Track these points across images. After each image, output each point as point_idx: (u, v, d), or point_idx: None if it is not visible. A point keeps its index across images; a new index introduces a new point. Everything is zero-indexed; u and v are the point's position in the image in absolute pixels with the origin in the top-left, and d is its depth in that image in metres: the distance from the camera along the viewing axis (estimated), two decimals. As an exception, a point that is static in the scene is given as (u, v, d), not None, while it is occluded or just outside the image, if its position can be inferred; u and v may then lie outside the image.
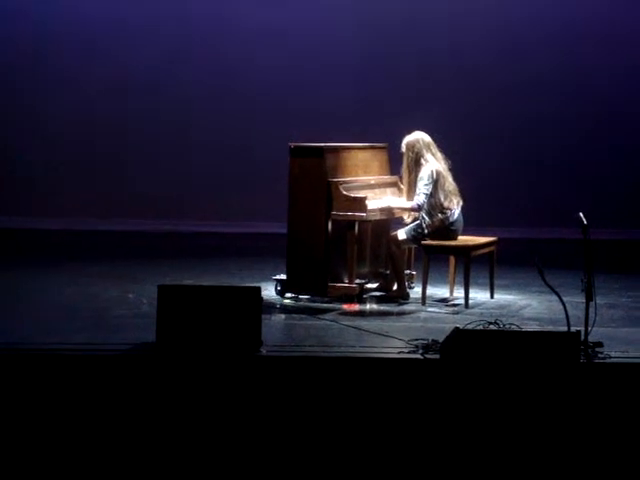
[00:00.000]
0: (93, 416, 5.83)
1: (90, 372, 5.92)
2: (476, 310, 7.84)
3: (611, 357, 6.17)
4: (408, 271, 8.51)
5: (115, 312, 7.44)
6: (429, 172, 8.06)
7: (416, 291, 8.33)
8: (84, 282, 8.67)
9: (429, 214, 8.10)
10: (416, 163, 8.12)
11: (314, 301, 8.04)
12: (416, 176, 8.09)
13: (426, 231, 8.11)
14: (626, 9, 12.31)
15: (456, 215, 8.18)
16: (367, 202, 7.93)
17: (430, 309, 7.91)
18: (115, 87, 12.10)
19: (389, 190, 8.53)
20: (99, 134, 12.14)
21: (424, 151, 8.13)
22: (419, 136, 8.18)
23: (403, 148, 8.18)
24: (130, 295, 8.05)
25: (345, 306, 7.87)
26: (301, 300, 8.11)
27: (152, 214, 12.02)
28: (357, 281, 8.02)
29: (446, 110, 11.59)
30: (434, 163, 8.11)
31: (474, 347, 5.86)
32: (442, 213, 8.12)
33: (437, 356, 6.07)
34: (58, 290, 8.29)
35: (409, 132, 8.21)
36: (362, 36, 12.19)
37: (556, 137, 12.32)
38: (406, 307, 7.99)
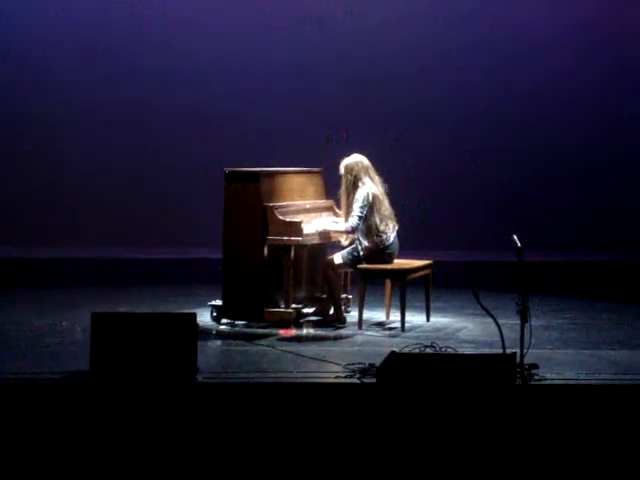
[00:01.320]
0: (25, 446, 5.72)
1: (22, 401, 5.82)
2: (412, 333, 7.85)
3: (546, 379, 6.21)
4: (344, 295, 8.51)
5: (48, 340, 7.33)
6: (364, 194, 8.08)
7: (352, 315, 8.32)
8: (15, 310, 8.53)
9: (365, 237, 8.11)
10: (354, 186, 8.13)
11: (250, 327, 7.99)
12: (354, 198, 8.11)
13: (362, 254, 8.12)
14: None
15: (392, 239, 8.20)
16: (303, 226, 7.92)
17: (367, 333, 7.91)
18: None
19: (325, 214, 8.53)
20: (36, 162, 12.03)
21: (362, 174, 8.14)
22: (358, 159, 8.20)
23: (342, 170, 8.19)
24: (63, 323, 7.94)
25: (282, 331, 7.84)
26: (237, 326, 8.06)
27: (85, 241, 11.89)
28: (293, 306, 8.00)
29: (382, 134, 11.65)
30: (371, 186, 8.13)
31: (411, 371, 5.86)
32: (378, 237, 8.13)
33: (374, 380, 6.06)
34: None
35: (348, 155, 8.23)
36: (297, 61, 12.23)
37: (488, 161, 12.41)
38: (343, 331, 7.98)
